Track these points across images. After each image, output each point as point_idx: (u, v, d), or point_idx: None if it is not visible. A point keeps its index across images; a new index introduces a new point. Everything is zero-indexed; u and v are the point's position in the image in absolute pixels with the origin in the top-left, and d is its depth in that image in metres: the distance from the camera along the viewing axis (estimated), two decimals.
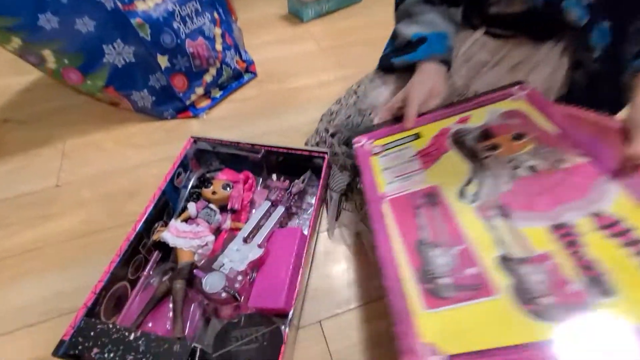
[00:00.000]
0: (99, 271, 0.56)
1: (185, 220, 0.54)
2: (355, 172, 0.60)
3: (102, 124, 0.79)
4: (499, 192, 0.40)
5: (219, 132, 0.78)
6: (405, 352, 0.30)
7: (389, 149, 0.52)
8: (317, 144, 0.67)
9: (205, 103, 0.82)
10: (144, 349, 0.40)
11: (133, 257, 0.51)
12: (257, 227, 0.54)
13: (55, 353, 0.40)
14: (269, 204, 0.57)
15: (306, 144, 0.70)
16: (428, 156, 0.48)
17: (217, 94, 0.84)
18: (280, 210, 0.56)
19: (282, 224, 0.57)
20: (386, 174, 0.48)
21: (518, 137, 0.44)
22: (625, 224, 0.33)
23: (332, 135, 0.64)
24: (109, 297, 0.47)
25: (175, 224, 0.52)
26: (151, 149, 0.75)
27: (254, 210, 0.60)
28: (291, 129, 0.77)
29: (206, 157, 0.65)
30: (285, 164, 0.63)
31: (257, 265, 0.50)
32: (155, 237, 0.53)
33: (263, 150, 0.61)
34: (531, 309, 0.30)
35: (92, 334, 0.42)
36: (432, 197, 0.42)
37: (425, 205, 0.42)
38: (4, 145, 0.75)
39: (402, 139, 0.52)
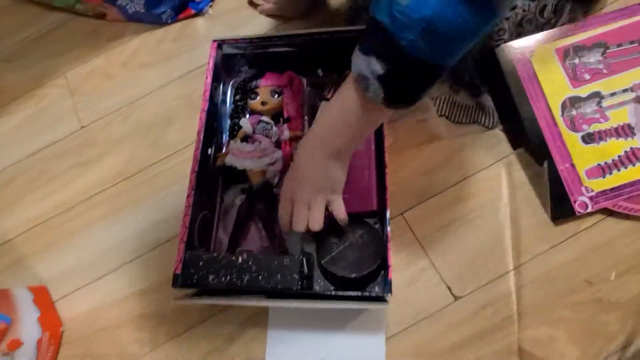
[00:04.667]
0: (169, 204, 0.56)
1: (244, 139, 0.49)
2: None
3: (97, 45, 0.66)
4: None
5: (234, 29, 0.65)
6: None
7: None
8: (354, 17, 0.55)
9: None
10: (257, 268, 0.42)
11: (204, 186, 0.48)
12: None
13: (174, 285, 0.42)
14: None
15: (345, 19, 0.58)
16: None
17: None
18: None
19: None
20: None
21: None
22: None
23: None
24: (197, 228, 0.47)
25: (237, 145, 0.48)
26: (164, 66, 0.64)
27: (306, 116, 0.54)
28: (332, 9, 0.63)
29: (233, 62, 0.56)
30: (328, 54, 0.54)
31: None
32: (218, 162, 0.49)
33: (300, 40, 0.52)
34: None
35: (200, 264, 0.43)
36: None
37: None
38: (1, 91, 0.66)
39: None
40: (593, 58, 0.49)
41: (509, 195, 0.49)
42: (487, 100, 0.53)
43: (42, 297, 0.53)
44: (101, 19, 0.67)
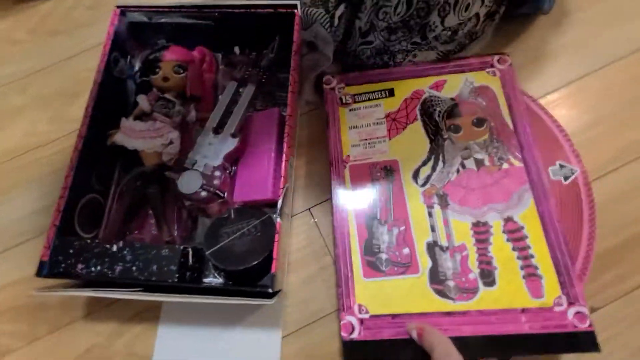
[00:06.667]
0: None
1: (140, 118, 0.45)
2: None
3: (2, 7, 0.60)
4: (446, 181, 0.42)
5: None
6: (344, 309, 0.39)
7: (359, 101, 0.48)
8: None
9: None
10: (132, 258, 0.38)
11: (93, 167, 0.44)
12: (228, 114, 0.46)
13: (38, 274, 0.38)
14: (236, 84, 0.47)
15: None
16: (395, 122, 0.46)
17: None
18: (251, 89, 0.46)
19: (258, 106, 0.49)
20: (352, 133, 0.47)
21: (479, 123, 0.44)
22: (524, 231, 0.39)
23: None
24: (80, 212, 0.42)
25: (129, 123, 0.44)
26: (76, 34, 0.59)
27: (219, 95, 0.50)
28: None
29: (146, 34, 0.51)
30: (248, 31, 0.49)
31: (235, 156, 0.44)
32: (109, 141, 0.45)
33: (216, 13, 0.47)
34: (437, 288, 0.38)
35: (71, 251, 0.38)
36: (390, 173, 0.44)
37: (382, 180, 0.44)
38: None
39: (375, 92, 0.48)
40: None
41: None
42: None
43: None
44: None
